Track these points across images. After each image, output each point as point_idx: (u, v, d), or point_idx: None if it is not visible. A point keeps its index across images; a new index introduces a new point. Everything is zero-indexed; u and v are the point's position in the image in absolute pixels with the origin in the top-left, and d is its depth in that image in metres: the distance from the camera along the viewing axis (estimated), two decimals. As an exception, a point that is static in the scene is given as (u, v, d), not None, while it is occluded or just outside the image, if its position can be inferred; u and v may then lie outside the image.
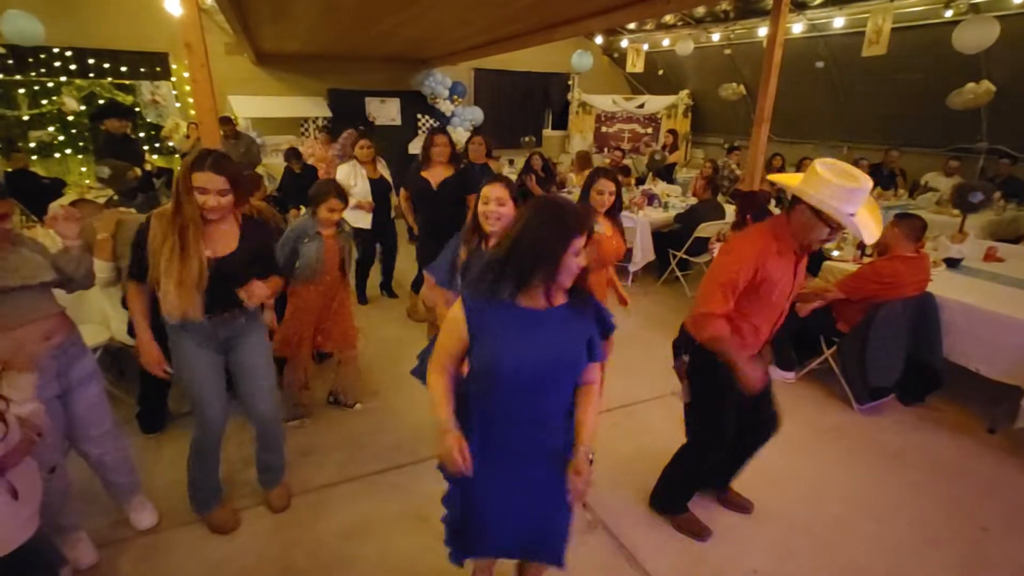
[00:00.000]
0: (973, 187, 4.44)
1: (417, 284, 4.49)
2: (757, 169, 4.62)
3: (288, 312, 2.88)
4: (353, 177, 4.34)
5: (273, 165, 7.43)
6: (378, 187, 4.46)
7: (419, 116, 9.33)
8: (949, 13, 5.62)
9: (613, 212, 2.62)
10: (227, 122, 6.99)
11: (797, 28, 7.07)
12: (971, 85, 5.87)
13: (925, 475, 2.76)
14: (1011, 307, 3.05)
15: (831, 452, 2.93)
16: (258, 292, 2.05)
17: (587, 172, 7.00)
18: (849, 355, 3.25)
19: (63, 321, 1.93)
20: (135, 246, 1.96)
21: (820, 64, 7.19)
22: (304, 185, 5.53)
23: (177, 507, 2.43)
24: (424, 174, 3.75)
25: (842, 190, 1.72)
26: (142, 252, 1.92)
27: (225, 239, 2.01)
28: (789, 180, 1.92)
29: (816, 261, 4.06)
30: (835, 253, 4.18)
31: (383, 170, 4.63)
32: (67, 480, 2.05)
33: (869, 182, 1.75)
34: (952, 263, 3.81)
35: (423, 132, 9.35)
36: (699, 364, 2.11)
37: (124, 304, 2.74)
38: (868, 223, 1.79)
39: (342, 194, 2.80)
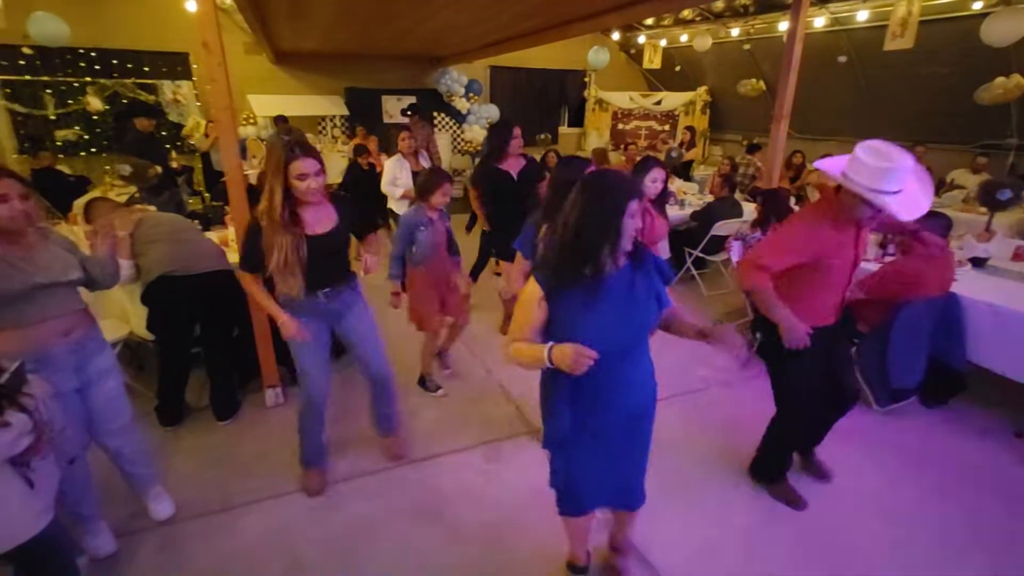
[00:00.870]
0: (1001, 184, 4.30)
1: (476, 272, 4.74)
2: (776, 167, 4.53)
3: (412, 292, 3.19)
4: (399, 170, 4.58)
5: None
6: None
7: (435, 114, 9.35)
8: (978, 5, 5.46)
9: (661, 199, 3.02)
10: (283, 120, 7.37)
11: (819, 22, 6.93)
12: (1000, 80, 5.69)
13: (949, 480, 2.69)
14: (1040, 308, 2.95)
15: (851, 454, 2.86)
16: (373, 265, 2.38)
17: (639, 160, 6.96)
18: (869, 356, 3.17)
19: (84, 317, 1.97)
20: (247, 243, 2.16)
21: (843, 59, 7.04)
22: (372, 179, 5.66)
23: (194, 498, 2.47)
24: (502, 167, 3.80)
25: (878, 170, 1.80)
26: (254, 248, 2.11)
27: (325, 218, 2.22)
28: (833, 165, 1.99)
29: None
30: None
31: (424, 162, 4.74)
32: (88, 471, 2.10)
33: (907, 159, 1.80)
34: (978, 262, 3.70)
35: (440, 129, 9.38)
36: (770, 340, 2.22)
37: (143, 300, 2.79)
38: (916, 198, 1.87)
39: (451, 180, 3.15)
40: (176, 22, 7.02)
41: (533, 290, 1.50)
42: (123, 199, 4.00)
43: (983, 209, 4.85)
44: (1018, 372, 2.97)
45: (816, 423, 2.53)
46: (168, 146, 7.39)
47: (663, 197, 3.08)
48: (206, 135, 6.76)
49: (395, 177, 4.61)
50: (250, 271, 2.20)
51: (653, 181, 2.88)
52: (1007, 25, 4.66)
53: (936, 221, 3.06)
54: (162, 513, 2.36)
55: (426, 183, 3.05)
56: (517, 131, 3.82)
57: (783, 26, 7.00)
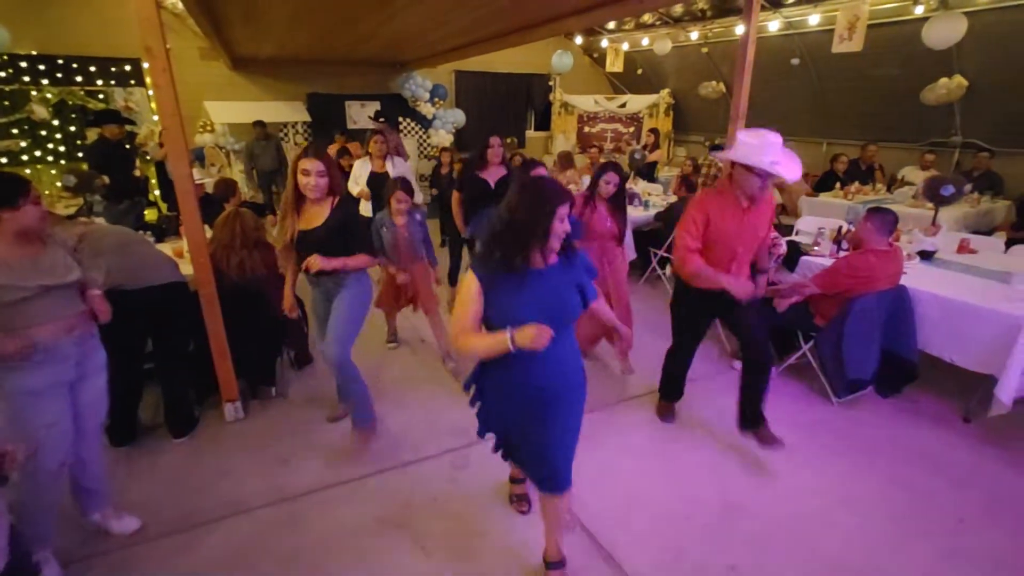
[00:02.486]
0: (944, 180, 4.49)
1: (453, 276, 4.85)
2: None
3: (382, 281, 3.68)
4: (361, 170, 4.77)
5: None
6: (376, 180, 4.65)
7: (400, 119, 9.28)
8: (919, 10, 5.70)
9: (618, 199, 3.41)
10: (260, 125, 7.46)
11: (773, 26, 7.14)
12: (943, 80, 5.96)
13: (902, 467, 2.78)
14: (983, 298, 3.08)
15: (810, 446, 2.94)
16: (312, 264, 2.49)
17: (568, 172, 6.96)
18: (826, 349, 3.27)
19: (84, 316, 2.01)
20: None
21: (796, 61, 7.26)
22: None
23: (150, 521, 2.37)
24: (482, 175, 4.02)
25: (754, 145, 2.38)
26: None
27: (316, 216, 2.55)
28: (724, 154, 2.70)
29: (793, 256, 4.08)
30: (814, 248, 4.20)
31: (392, 167, 4.73)
32: (62, 489, 2.08)
33: (774, 136, 2.37)
34: (926, 255, 3.85)
35: (405, 135, 9.30)
36: (676, 294, 2.99)
37: (89, 315, 2.67)
38: (789, 165, 2.37)
39: (408, 188, 3.45)
40: (126, 26, 6.77)
41: (471, 282, 1.67)
42: (71, 211, 3.83)
43: (930, 204, 5.05)
44: (965, 359, 3.09)
45: (745, 389, 2.84)
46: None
47: (619, 198, 3.43)
48: (160, 144, 6.55)
49: (357, 176, 4.76)
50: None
51: (607, 183, 3.33)
52: (945, 28, 4.88)
53: (883, 216, 3.17)
54: (128, 527, 2.30)
55: (385, 191, 3.49)
56: (494, 141, 4.03)
57: (740, 30, 7.17)
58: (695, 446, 2.95)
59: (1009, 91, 5.87)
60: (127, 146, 6.27)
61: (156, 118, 7.50)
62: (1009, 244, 4.40)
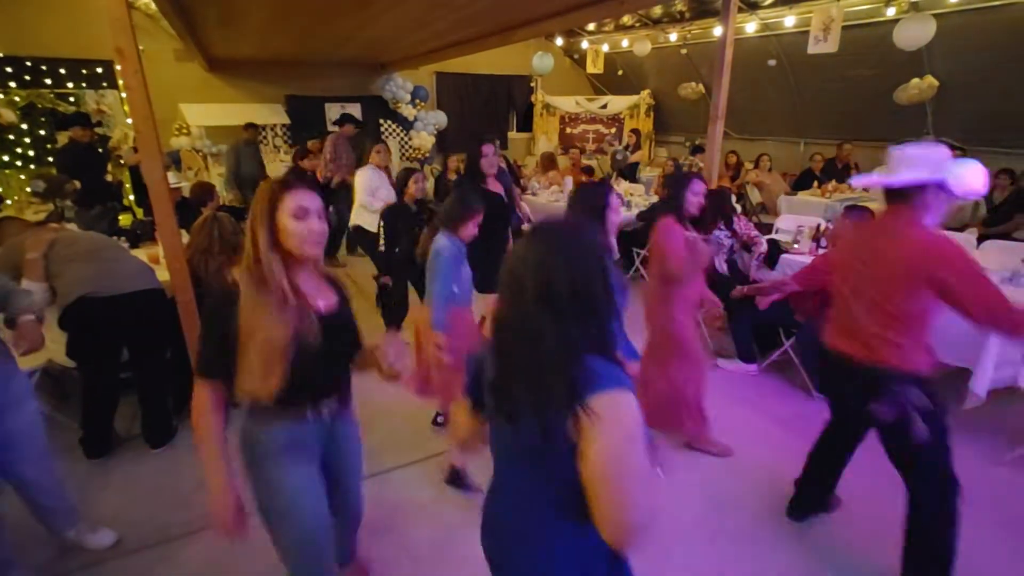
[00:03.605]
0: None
1: None
2: (715, 166, 4.69)
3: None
4: (379, 180, 4.34)
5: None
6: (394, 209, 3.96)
7: (381, 121, 9.21)
8: (891, 11, 5.83)
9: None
10: (252, 127, 6.88)
11: (751, 27, 7.23)
12: (915, 81, 6.10)
13: (880, 458, 2.81)
14: (957, 293, 3.15)
15: (793, 440, 2.97)
16: (399, 354, 1.57)
17: (551, 173, 6.94)
18: (806, 345, 3.31)
19: None
20: (212, 326, 1.37)
21: (772, 62, 7.37)
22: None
23: (127, 534, 2.31)
24: (491, 189, 3.38)
25: (972, 171, 1.74)
26: (224, 334, 1.33)
27: (320, 288, 1.49)
28: (872, 180, 1.96)
29: (774, 254, 4.14)
30: (794, 246, 4.27)
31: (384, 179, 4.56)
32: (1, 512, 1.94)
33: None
34: (902, 252, 3.92)
35: (386, 137, 9.24)
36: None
37: (60, 324, 2.60)
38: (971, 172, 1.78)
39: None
40: (97, 27, 6.52)
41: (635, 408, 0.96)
42: (40, 217, 3.72)
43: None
44: (940, 354, 3.14)
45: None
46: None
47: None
48: (135, 148, 6.41)
49: (375, 188, 4.30)
50: (213, 376, 1.39)
51: (695, 195, 2.69)
52: (915, 30, 4.99)
53: (860, 214, 3.23)
54: (105, 540, 2.24)
55: (457, 210, 2.44)
56: (488, 149, 3.34)
57: (718, 31, 7.27)
58: (677, 442, 2.97)
59: (978, 91, 6.03)
60: (99, 150, 6.14)
61: (130, 121, 7.36)
62: (981, 240, 4.52)
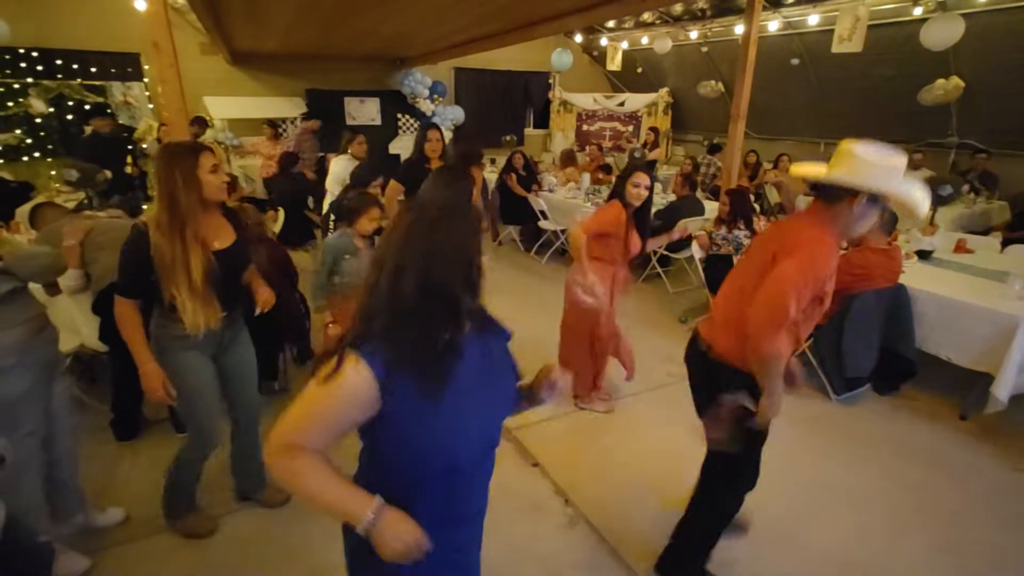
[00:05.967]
0: (942, 180, 4.54)
1: None
2: (735, 165, 4.68)
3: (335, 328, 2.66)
4: (345, 168, 4.33)
5: (251, 167, 7.35)
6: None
7: (399, 116, 9.28)
8: (918, 11, 5.74)
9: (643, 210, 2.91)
10: (272, 125, 7.05)
11: (773, 26, 7.17)
12: (940, 81, 6.01)
13: (900, 463, 2.82)
14: (980, 297, 3.12)
15: (810, 442, 2.97)
16: (270, 299, 2.12)
17: (568, 169, 6.97)
18: (825, 347, 3.31)
19: (45, 316, 1.98)
20: (129, 262, 1.81)
21: (795, 61, 7.30)
22: (289, 189, 5.59)
23: (152, 515, 2.37)
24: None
25: (889, 168, 1.54)
26: (138, 267, 1.77)
27: (223, 230, 1.95)
28: (815, 171, 1.69)
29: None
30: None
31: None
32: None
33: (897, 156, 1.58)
34: (923, 255, 3.89)
35: (403, 132, 9.31)
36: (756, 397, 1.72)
37: (94, 310, 2.68)
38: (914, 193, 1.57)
39: (380, 204, 2.73)
40: (125, 21, 6.76)
41: (358, 371, 0.93)
42: (71, 206, 3.82)
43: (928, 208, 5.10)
44: (962, 358, 3.14)
45: None
46: (131, 148, 7.13)
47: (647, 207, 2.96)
48: (159, 140, 6.53)
49: (338, 175, 4.41)
50: (132, 296, 1.84)
51: (635, 186, 2.81)
52: (943, 30, 4.92)
53: (882, 215, 3.20)
54: (113, 518, 2.31)
55: (356, 206, 2.62)
56: (433, 134, 3.54)
57: (739, 29, 7.20)
58: (695, 441, 2.98)
59: (1005, 93, 5.93)
60: (122, 141, 6.26)
61: (151, 109, 7.49)
62: (1005, 244, 4.46)
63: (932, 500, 2.55)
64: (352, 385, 0.93)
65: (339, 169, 4.45)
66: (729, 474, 1.93)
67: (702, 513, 2.01)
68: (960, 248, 4.13)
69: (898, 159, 1.56)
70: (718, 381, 1.78)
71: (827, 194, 1.63)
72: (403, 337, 0.95)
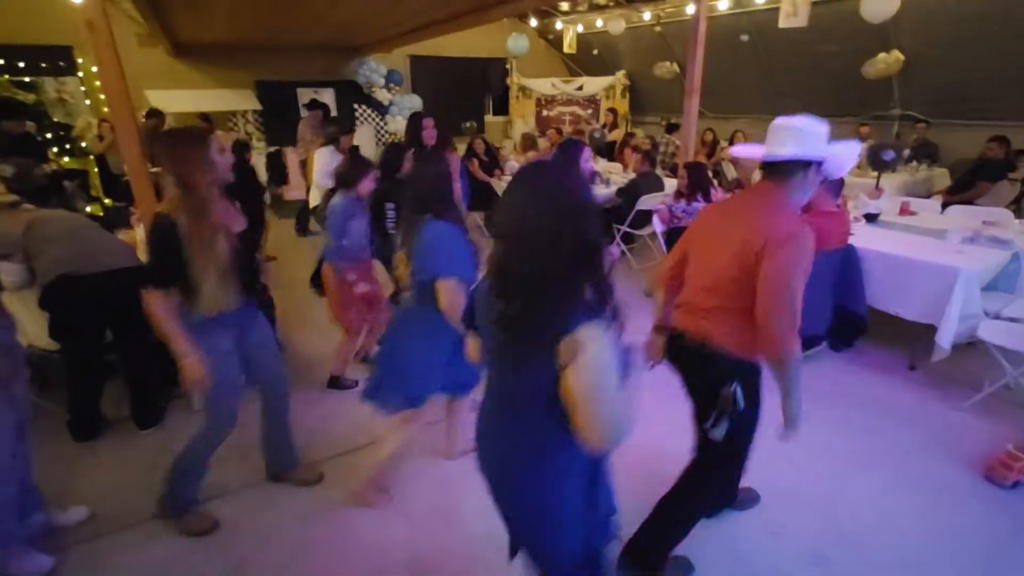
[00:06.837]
0: (884, 146, 4.75)
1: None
2: (691, 140, 4.77)
3: (342, 291, 3.00)
4: (330, 161, 4.44)
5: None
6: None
7: (356, 106, 9.09)
8: (858, -15, 5.94)
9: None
10: (205, 119, 6.76)
11: (723, 5, 7.31)
12: (882, 55, 6.26)
13: (856, 412, 2.96)
14: (922, 253, 3.30)
15: (771, 400, 3.06)
16: (272, 274, 2.23)
17: (530, 153, 6.96)
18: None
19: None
20: (162, 251, 1.79)
21: (745, 37, 7.47)
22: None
23: (121, 511, 2.31)
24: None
25: (846, 151, 1.69)
26: (172, 256, 1.77)
27: (232, 213, 1.99)
28: (751, 151, 1.80)
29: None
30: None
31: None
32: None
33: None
34: (871, 218, 4.07)
35: (362, 123, 9.13)
36: (749, 389, 1.82)
37: (41, 305, 2.56)
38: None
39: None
40: (54, 12, 6.38)
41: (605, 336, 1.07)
42: (10, 199, 3.62)
43: (873, 172, 5.34)
44: (909, 311, 3.31)
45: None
46: (55, 149, 6.76)
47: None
48: (100, 136, 6.22)
49: (322, 168, 4.49)
50: (163, 286, 1.82)
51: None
52: (880, 2, 5.11)
53: (830, 180, 3.33)
54: (76, 517, 2.23)
55: (357, 171, 2.92)
56: (427, 122, 3.72)
57: (691, 9, 7.32)
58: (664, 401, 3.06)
59: (942, 65, 6.22)
60: (36, 142, 5.89)
61: (89, 106, 7.13)
62: (944, 207, 4.71)
63: (887, 443, 2.71)
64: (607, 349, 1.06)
65: (324, 162, 4.50)
66: (725, 461, 1.98)
67: (691, 498, 1.98)
68: (904, 211, 4.34)
69: (823, 126, 1.66)
70: (719, 373, 1.78)
71: (780, 170, 1.69)
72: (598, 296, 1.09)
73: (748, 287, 1.64)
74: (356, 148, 4.70)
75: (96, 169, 6.50)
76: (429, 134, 3.70)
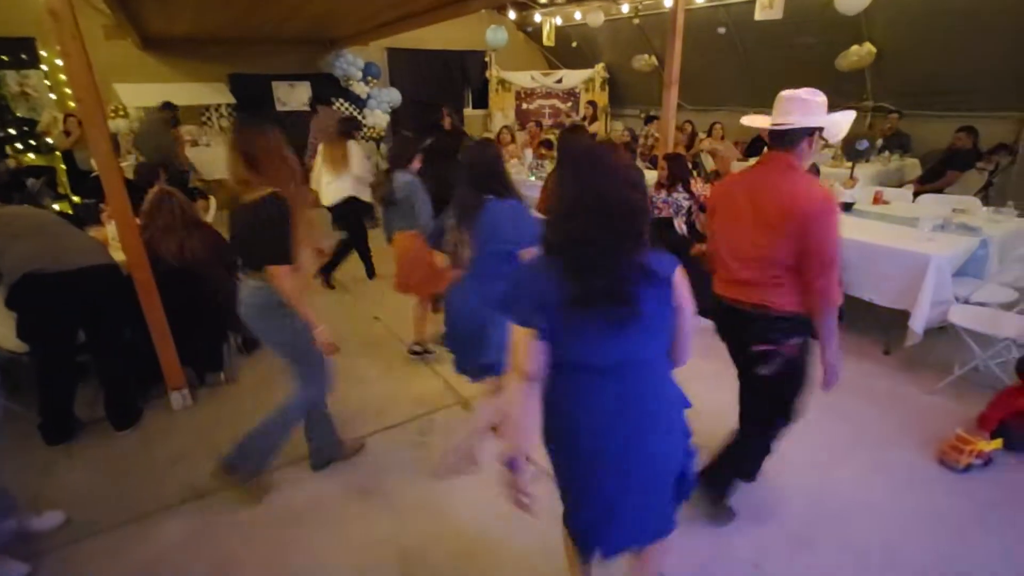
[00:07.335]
0: (858, 136, 4.85)
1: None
2: (670, 131, 4.80)
3: (415, 257, 3.16)
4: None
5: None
6: None
7: (332, 100, 8.93)
8: (834, -22, 6.02)
9: None
10: (167, 108, 6.48)
11: (700, -2, 7.36)
12: (855, 48, 6.37)
13: (833, 397, 2.96)
14: (895, 240, 3.38)
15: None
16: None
17: (510, 146, 6.92)
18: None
19: None
20: (283, 232, 1.94)
21: (722, 30, 7.53)
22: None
23: (97, 514, 2.26)
24: None
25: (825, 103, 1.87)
26: (290, 234, 1.95)
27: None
28: (763, 121, 1.99)
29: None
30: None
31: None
32: None
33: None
34: (846, 207, 4.15)
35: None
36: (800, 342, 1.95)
37: (8, 304, 2.47)
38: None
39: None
40: (14, 1, 6.16)
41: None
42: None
43: (848, 163, 5.44)
44: (883, 298, 3.39)
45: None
46: (19, 145, 6.53)
47: None
48: (66, 132, 6.02)
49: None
50: (292, 261, 1.99)
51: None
52: (855, -6, 5.20)
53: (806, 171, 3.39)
54: (51, 522, 2.16)
55: (406, 152, 3.28)
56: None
57: (669, 2, 7.34)
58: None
59: (913, 57, 6.35)
60: (3, 134, 5.65)
61: (53, 100, 6.90)
62: (916, 196, 4.82)
63: (862, 428, 2.77)
64: None
65: (362, 154, 4.69)
66: (771, 409, 2.16)
67: (752, 440, 2.22)
68: (877, 200, 4.43)
69: (821, 95, 1.87)
70: (778, 332, 1.92)
71: (786, 140, 1.86)
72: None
73: (787, 252, 1.79)
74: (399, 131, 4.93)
75: (63, 166, 6.29)
76: (448, 122, 4.15)
